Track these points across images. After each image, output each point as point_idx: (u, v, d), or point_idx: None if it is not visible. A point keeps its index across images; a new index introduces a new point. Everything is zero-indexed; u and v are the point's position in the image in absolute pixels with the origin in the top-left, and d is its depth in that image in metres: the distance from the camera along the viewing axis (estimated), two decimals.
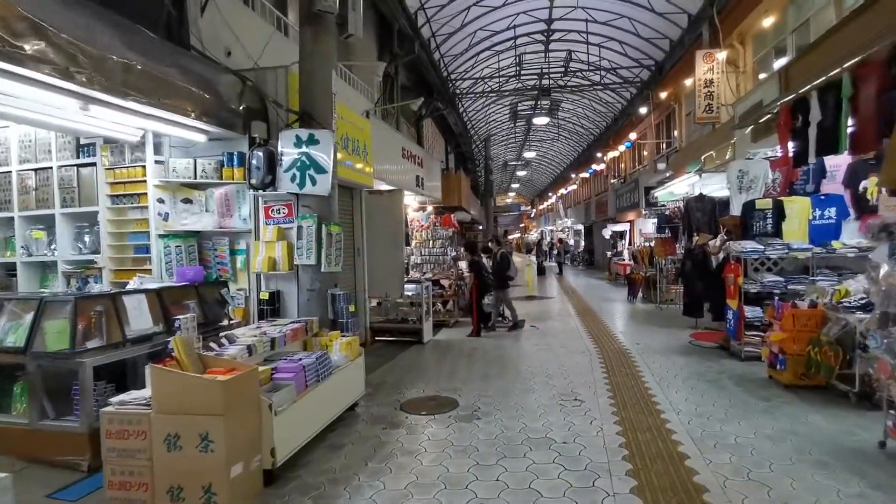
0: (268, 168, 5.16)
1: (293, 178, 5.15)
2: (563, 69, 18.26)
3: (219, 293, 5.24)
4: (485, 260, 10.56)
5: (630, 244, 20.92)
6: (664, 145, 17.94)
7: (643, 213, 15.92)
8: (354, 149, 7.34)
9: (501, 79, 18.62)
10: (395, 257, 8.16)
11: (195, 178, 5.34)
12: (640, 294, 12.58)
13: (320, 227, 5.21)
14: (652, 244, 12.83)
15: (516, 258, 37.17)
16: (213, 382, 3.06)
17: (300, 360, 4.09)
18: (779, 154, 6.83)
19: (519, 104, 25.58)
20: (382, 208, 8.24)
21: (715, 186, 10.48)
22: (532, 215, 61.28)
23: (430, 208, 12.35)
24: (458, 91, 18.40)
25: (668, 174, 12.13)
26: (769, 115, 6.92)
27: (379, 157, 8.55)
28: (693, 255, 8.54)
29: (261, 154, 5.14)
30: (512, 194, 60.45)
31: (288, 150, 5.15)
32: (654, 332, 8.52)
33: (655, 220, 17.07)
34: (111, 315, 4.15)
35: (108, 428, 3.23)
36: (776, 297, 5.87)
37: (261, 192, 5.31)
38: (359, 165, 7.38)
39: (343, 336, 5.03)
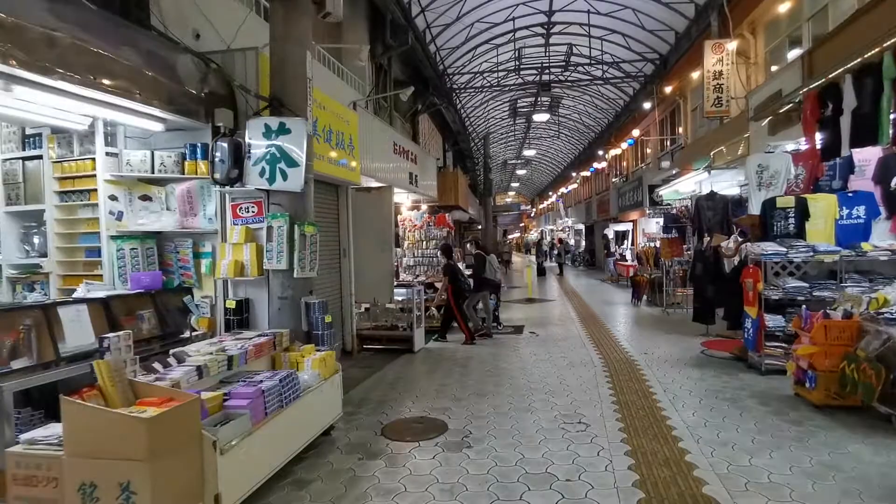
0: (234, 161, 4.57)
1: (262, 173, 4.57)
2: (563, 63, 17.67)
3: (181, 301, 4.67)
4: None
5: (633, 244, 20.36)
6: (668, 142, 17.37)
7: (647, 212, 15.36)
8: (339, 142, 6.77)
9: (500, 73, 18.04)
10: (384, 259, 7.59)
11: (152, 173, 4.76)
12: (644, 297, 12.00)
13: (293, 228, 4.63)
14: (657, 245, 12.26)
15: (516, 258, 36.59)
16: (134, 420, 2.48)
17: (260, 382, 3.52)
18: (802, 147, 6.25)
19: (519, 100, 25.01)
20: (371, 206, 7.66)
21: (725, 184, 9.91)
22: (532, 215, 60.71)
23: (424, 207, 11.77)
24: (454, 86, 17.81)
25: (673, 171, 11.57)
26: (790, 105, 6.36)
27: (368, 153, 7.97)
28: (704, 257, 7.97)
29: (225, 145, 4.55)
30: (512, 193, 59.92)
31: (256, 141, 4.57)
32: (662, 340, 7.95)
33: (661, 220, 16.53)
34: (43, 330, 3.57)
35: (15, 472, 2.65)
36: (802, 306, 5.29)
37: (227, 187, 4.74)
38: (344, 160, 6.81)
39: (318, 350, 4.46)
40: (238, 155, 4.59)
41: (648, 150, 20.35)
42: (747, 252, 6.04)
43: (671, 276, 10.70)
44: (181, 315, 4.63)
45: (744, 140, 8.47)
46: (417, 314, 7.72)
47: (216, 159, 4.58)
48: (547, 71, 17.78)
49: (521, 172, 43.10)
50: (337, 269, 7.45)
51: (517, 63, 17.59)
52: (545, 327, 9.49)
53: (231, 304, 4.82)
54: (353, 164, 7.16)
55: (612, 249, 21.03)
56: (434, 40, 14.73)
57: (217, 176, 4.60)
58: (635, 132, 19.01)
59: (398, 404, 5.16)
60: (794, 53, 9.37)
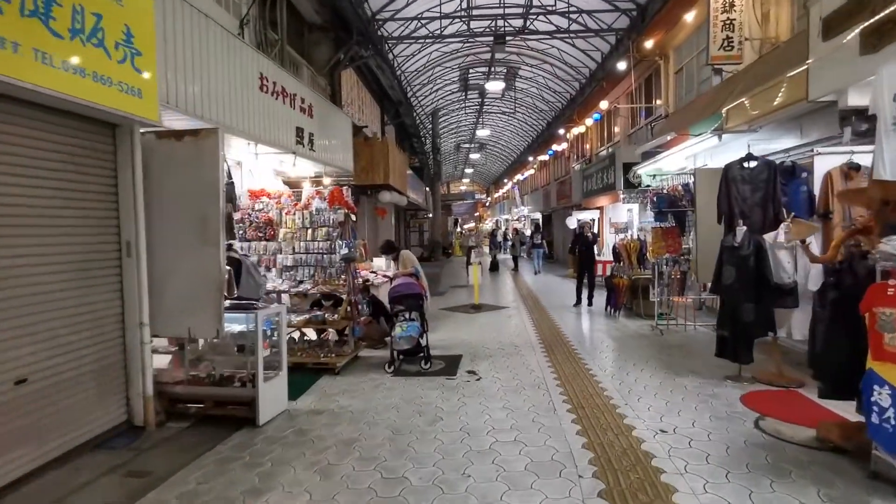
0: None
1: None
2: (523, 12, 14.55)
3: None
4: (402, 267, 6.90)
5: (598, 236, 17.64)
6: (642, 113, 14.61)
7: (620, 196, 12.57)
8: (94, 31, 3.38)
9: (445, 23, 14.76)
10: (206, 260, 4.24)
11: None
12: (622, 306, 9.13)
13: None
14: (643, 236, 9.40)
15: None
16: None
17: None
18: None
19: (470, 69, 21.80)
20: (180, 165, 4.28)
21: (731, 156, 7.12)
22: (487, 204, 57.91)
23: (327, 181, 8.44)
24: (386, 34, 14.41)
25: (668, 138, 8.70)
26: None
27: (190, 71, 4.60)
28: (738, 257, 5.04)
29: None
30: (466, 181, 56.97)
31: None
32: (678, 392, 4.97)
33: (634, 207, 13.80)
34: None
35: None
36: None
37: None
38: (111, 70, 3.43)
39: None
40: None
41: (617, 129, 17.64)
42: (879, 254, 3.07)
43: (664, 280, 7.82)
44: None
45: (792, 81, 5.57)
46: (270, 354, 4.43)
47: None
48: (502, 20, 14.63)
49: (475, 157, 40.07)
50: (114, 278, 4.06)
51: (466, 11, 14.33)
52: (492, 360, 6.38)
53: None
54: (137, 80, 3.77)
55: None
56: None
57: None
58: (603, 104, 16.22)
59: None
60: None
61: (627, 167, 12.24)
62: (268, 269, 6.30)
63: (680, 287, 7.65)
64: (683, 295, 7.68)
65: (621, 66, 13.26)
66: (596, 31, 14.08)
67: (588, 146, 20.92)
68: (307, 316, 5.97)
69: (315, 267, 6.23)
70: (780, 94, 5.90)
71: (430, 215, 27.02)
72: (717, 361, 5.47)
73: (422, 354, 6.00)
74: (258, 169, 7.83)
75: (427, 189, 26.95)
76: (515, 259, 20.14)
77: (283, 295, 6.30)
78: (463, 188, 59.84)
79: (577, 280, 10.50)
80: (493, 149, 39.28)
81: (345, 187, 6.31)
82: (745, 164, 5.34)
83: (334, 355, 5.94)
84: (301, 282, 6.25)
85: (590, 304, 10.14)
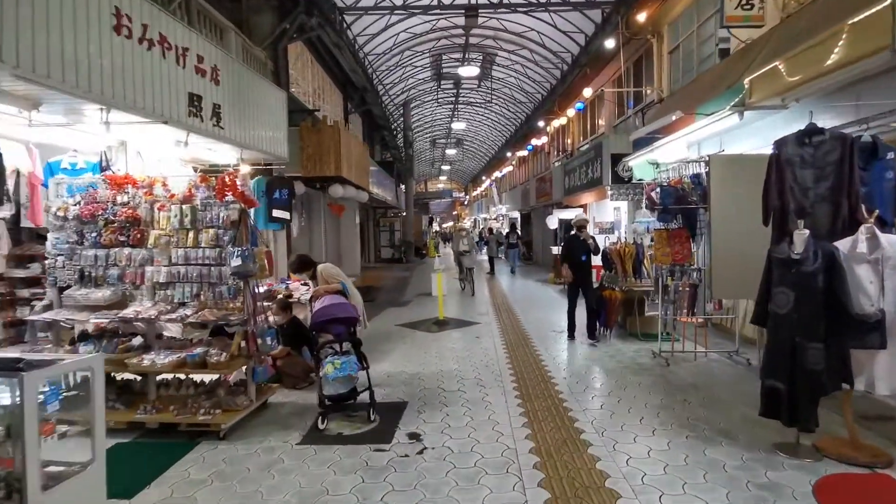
0: None
1: None
2: None
3: None
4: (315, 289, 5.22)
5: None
6: (629, 103, 13.10)
7: (608, 192, 11.01)
8: None
9: None
10: None
11: None
12: (615, 324, 7.52)
13: None
14: (642, 241, 7.83)
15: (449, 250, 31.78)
16: None
17: None
18: None
19: (443, 56, 20.09)
20: None
21: (753, 143, 5.57)
22: (465, 202, 56.27)
23: (246, 169, 6.63)
24: (342, 5, 12.63)
25: (672, 118, 7.11)
26: None
27: None
28: (798, 272, 3.43)
29: None
30: (443, 178, 55.32)
31: None
32: (713, 472, 3.34)
33: (622, 205, 12.28)
34: None
35: None
36: None
37: None
38: None
39: None
40: None
41: (601, 122, 16.14)
42: None
43: (670, 295, 6.22)
44: None
45: (859, 29, 3.98)
46: (59, 438, 2.66)
47: None
48: None
49: (451, 153, 38.39)
50: None
51: None
52: (447, 410, 4.67)
53: None
54: None
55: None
56: None
57: None
58: (587, 92, 14.68)
59: None
60: None
61: (616, 159, 10.69)
62: (134, 285, 4.48)
63: (689, 304, 6.06)
64: (693, 314, 6.10)
65: (609, 44, 11.70)
66: (581, 3, 12.49)
67: (569, 140, 19.38)
68: (180, 355, 4.17)
69: (201, 284, 4.43)
70: (836, 51, 4.32)
71: (404, 214, 25.25)
72: (752, 414, 3.88)
73: (354, 401, 4.36)
74: (156, 152, 6.00)
75: (400, 186, 25.19)
76: (492, 261, 18.50)
77: (166, 323, 4.51)
78: (441, 186, 58.18)
79: (568, 301, 7.44)
80: (470, 144, 37.67)
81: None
82: (808, 141, 3.71)
83: (222, 410, 4.16)
84: (181, 304, 4.45)
85: (592, 336, 7.21)
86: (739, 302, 6.51)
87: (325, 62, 14.75)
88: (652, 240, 8.04)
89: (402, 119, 24.69)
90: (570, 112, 16.88)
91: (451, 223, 58.81)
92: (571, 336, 7.39)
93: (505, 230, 30.60)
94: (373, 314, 9.99)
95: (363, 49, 16.34)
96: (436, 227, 57.03)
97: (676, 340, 6.37)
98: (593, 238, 7.66)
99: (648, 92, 11.84)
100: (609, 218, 14.52)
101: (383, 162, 23.04)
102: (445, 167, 46.39)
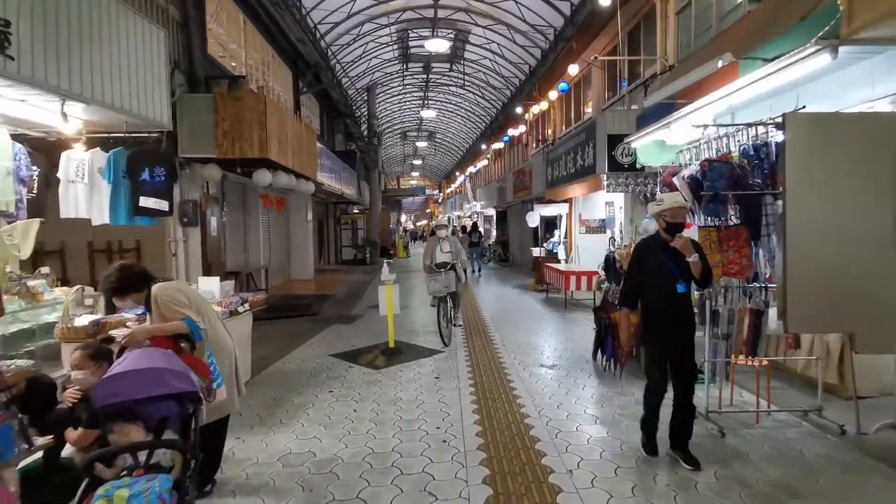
0: None
1: None
2: None
3: None
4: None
5: (566, 236, 14.14)
6: (622, 83, 11.11)
7: (604, 182, 8.96)
8: None
9: None
10: None
11: None
12: (627, 357, 5.43)
13: None
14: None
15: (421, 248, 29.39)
16: None
17: None
18: None
19: (410, 32, 17.85)
20: None
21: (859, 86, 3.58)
22: (440, 200, 54.03)
23: (75, 128, 4.32)
24: None
25: (719, 64, 5.02)
26: None
27: None
28: None
29: None
30: (416, 174, 53.05)
31: None
32: None
33: (620, 198, 10.25)
34: None
35: None
36: None
37: None
38: None
39: None
40: None
41: (588, 110, 14.22)
42: None
43: (721, 325, 4.14)
44: None
45: None
46: None
47: None
48: None
49: (422, 145, 36.14)
50: None
51: None
52: None
53: None
54: None
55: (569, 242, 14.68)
56: None
57: None
58: (572, 69, 12.65)
59: None
60: None
61: (615, 142, 8.66)
62: None
63: (749, 339, 4.02)
64: (754, 354, 4.05)
65: (604, 1, 9.64)
66: None
67: (551, 130, 17.38)
68: None
69: None
70: None
71: (367, 210, 22.89)
72: None
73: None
74: None
75: (364, 180, 22.85)
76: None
77: None
78: (413, 182, 55.90)
79: (647, 398, 3.70)
80: (443, 138, 35.49)
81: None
82: None
83: None
84: None
85: (684, 450, 3.49)
86: (826, 338, 4.50)
87: (268, 30, 12.38)
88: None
89: (366, 106, 22.37)
90: (553, 95, 14.87)
91: (424, 221, 56.48)
92: (652, 450, 3.62)
93: (481, 230, 28.59)
94: (307, 336, 7.73)
95: (311, 16, 13.99)
96: (406, 224, 54.76)
97: (714, 383, 4.31)
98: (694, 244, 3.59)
99: (648, 69, 9.87)
100: (598, 215, 12.55)
101: (346, 153, 20.68)
102: (417, 162, 44.11)
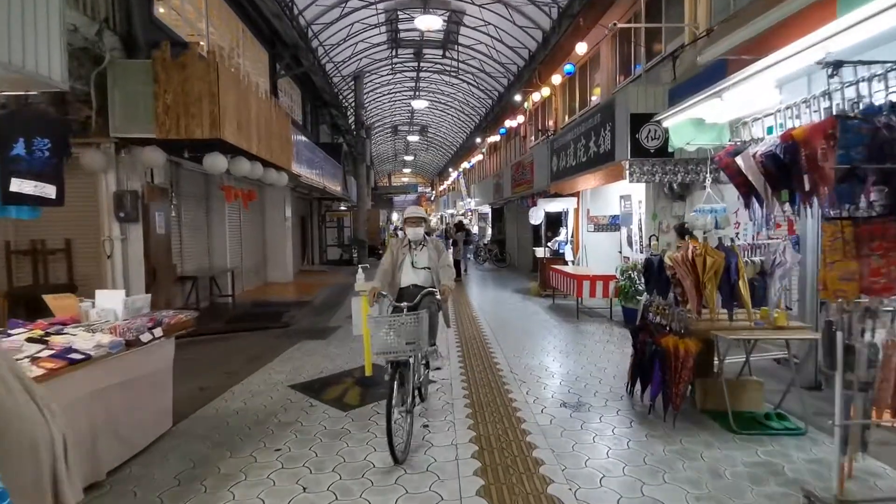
0: None
1: None
2: None
3: None
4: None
5: (573, 235, 12.74)
6: (636, 66, 9.74)
7: (626, 171, 7.56)
8: None
9: None
10: None
11: None
12: (683, 397, 4.03)
13: None
14: (726, 242, 4.45)
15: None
16: None
17: None
18: None
19: (399, 13, 16.38)
20: None
21: None
22: (432, 198, 52.54)
23: None
24: None
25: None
26: None
27: None
28: None
29: None
30: (407, 171, 51.62)
31: None
32: None
33: (638, 187, 8.85)
34: None
35: None
36: None
37: None
38: None
39: None
40: None
41: (595, 97, 12.92)
42: None
43: (858, 366, 2.75)
44: None
45: None
46: None
47: None
48: None
49: (414, 139, 34.67)
50: None
51: None
52: None
53: None
54: None
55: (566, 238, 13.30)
56: None
57: None
58: (580, 48, 11.28)
59: None
60: None
61: (639, 122, 7.28)
62: None
63: None
64: None
65: None
66: None
67: (552, 121, 16.00)
68: None
69: None
70: None
71: (355, 207, 21.39)
72: None
73: None
74: None
75: (351, 175, 21.39)
76: (458, 264, 14.99)
77: None
78: (405, 180, 54.46)
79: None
80: (436, 133, 34.05)
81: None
82: None
83: None
84: None
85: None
86: None
87: (241, 6, 10.92)
88: (733, 240, 4.70)
89: (353, 95, 20.87)
90: (556, 79, 13.48)
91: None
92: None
93: (476, 228, 27.18)
94: (269, 356, 6.29)
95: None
96: (398, 222, 53.24)
97: (843, 454, 2.93)
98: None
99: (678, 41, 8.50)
100: (609, 210, 11.17)
101: (331, 145, 19.20)
102: (409, 158, 42.63)
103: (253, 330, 7.83)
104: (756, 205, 4.27)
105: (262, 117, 8.46)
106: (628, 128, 7.35)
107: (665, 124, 6.14)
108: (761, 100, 4.99)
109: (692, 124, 6.17)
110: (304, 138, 12.61)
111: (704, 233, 5.13)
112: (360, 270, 5.34)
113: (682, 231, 7.31)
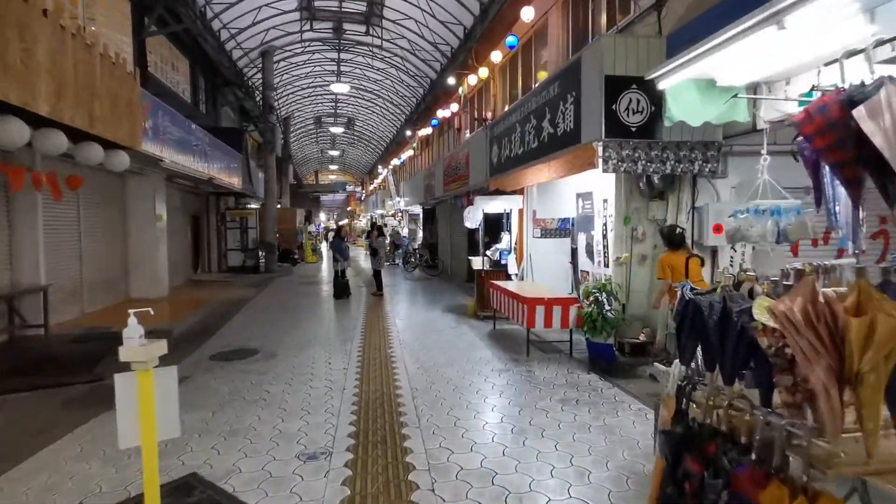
0: None
1: None
2: None
3: None
4: None
5: (516, 242, 10.61)
6: (596, 21, 7.77)
7: (598, 156, 5.43)
8: None
9: None
10: None
11: None
12: None
13: None
14: None
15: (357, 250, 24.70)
16: None
17: None
18: None
19: None
20: None
21: None
22: (362, 198, 49.43)
23: None
24: None
25: None
26: None
27: None
28: None
29: None
30: (334, 167, 48.29)
31: None
32: None
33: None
34: None
35: None
36: None
37: None
38: None
39: None
40: None
41: (540, 78, 10.97)
42: None
43: None
44: None
45: None
46: None
47: None
48: None
49: (338, 131, 31.69)
50: None
51: None
52: None
53: None
54: None
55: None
56: None
57: None
58: (526, 12, 9.23)
59: None
60: None
61: (617, 88, 5.19)
62: None
63: None
64: None
65: None
66: None
67: (490, 112, 13.91)
68: None
69: None
70: None
71: (259, 206, 18.34)
72: None
73: None
74: None
75: (258, 166, 18.33)
76: (378, 274, 12.51)
77: None
78: (333, 177, 51.09)
79: None
80: (363, 127, 31.30)
81: None
82: None
83: None
84: None
85: None
86: None
87: None
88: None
89: (261, 75, 17.86)
90: (497, 56, 11.39)
91: (345, 221, 51.43)
92: None
93: (405, 231, 24.69)
94: (32, 447, 3.50)
95: None
96: (329, 223, 49.62)
97: None
98: None
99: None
100: (562, 212, 9.14)
101: (228, 129, 16.11)
102: (335, 153, 39.49)
103: (34, 390, 4.98)
104: (838, 205, 2.44)
105: (81, 69, 5.61)
106: (602, 96, 5.23)
107: (661, 86, 4.08)
108: (837, 32, 3.05)
109: (698, 89, 4.21)
110: (179, 116, 9.66)
111: (753, 248, 3.04)
112: (132, 321, 2.58)
113: (673, 238, 5.32)
